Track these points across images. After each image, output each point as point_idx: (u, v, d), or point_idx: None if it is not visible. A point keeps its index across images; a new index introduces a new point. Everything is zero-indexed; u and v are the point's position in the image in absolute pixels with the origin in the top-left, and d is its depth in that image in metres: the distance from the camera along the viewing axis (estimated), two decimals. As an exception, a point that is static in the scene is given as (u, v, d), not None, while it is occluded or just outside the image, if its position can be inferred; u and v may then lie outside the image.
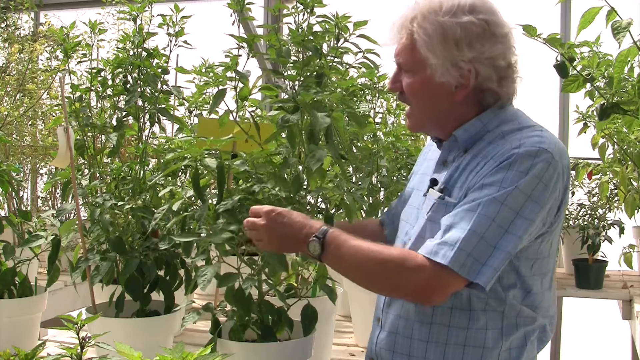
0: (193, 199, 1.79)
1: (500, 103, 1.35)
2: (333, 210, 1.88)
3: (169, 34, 2.22)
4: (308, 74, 1.74)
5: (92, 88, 2.23)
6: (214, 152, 1.76)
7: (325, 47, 1.80)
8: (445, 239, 1.22)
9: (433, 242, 1.24)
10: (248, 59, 1.78)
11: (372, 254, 1.27)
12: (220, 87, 1.72)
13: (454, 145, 1.38)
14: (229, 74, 1.72)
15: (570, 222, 3.40)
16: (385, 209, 1.83)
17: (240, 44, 1.76)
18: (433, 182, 1.37)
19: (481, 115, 1.34)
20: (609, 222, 3.30)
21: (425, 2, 1.33)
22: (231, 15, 1.80)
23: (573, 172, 3.42)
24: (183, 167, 2.12)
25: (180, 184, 2.30)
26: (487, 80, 1.31)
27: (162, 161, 2.24)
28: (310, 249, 1.33)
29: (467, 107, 1.34)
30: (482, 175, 1.26)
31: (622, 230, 3.29)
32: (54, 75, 3.69)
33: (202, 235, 1.70)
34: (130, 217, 2.11)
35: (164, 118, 2.23)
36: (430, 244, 1.24)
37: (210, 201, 1.72)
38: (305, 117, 1.67)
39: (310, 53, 1.75)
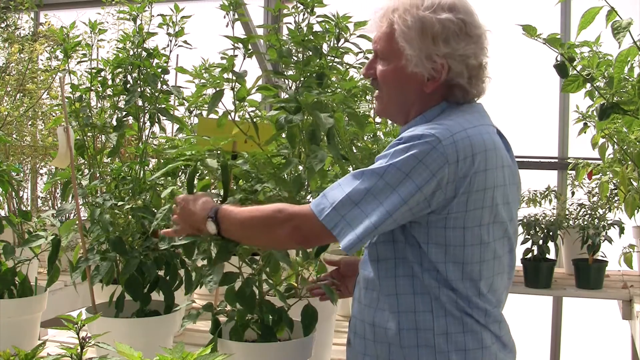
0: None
1: (463, 100, 1.40)
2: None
3: (169, 34, 2.22)
4: (309, 74, 1.74)
5: (92, 88, 2.23)
6: (215, 151, 1.76)
7: (325, 47, 1.80)
8: (327, 193, 1.34)
9: (321, 194, 1.36)
10: (244, 59, 1.78)
11: (253, 212, 1.43)
12: (217, 89, 1.72)
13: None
14: (225, 74, 1.72)
15: (570, 222, 3.40)
16: None
17: (236, 45, 1.76)
18: None
19: (426, 112, 1.40)
20: (609, 222, 3.30)
21: None
22: (224, 17, 1.80)
23: (573, 172, 3.42)
24: (183, 167, 2.12)
25: (180, 184, 2.30)
26: (457, 76, 1.37)
27: (162, 161, 2.24)
28: (210, 229, 1.49)
29: (433, 99, 1.40)
30: None
31: (622, 230, 3.29)
32: (54, 75, 3.69)
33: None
34: (130, 217, 2.11)
35: (164, 118, 2.23)
36: (318, 196, 1.36)
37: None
38: (306, 117, 1.67)
39: (311, 53, 1.75)
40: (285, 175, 1.75)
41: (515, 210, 1.45)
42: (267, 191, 1.75)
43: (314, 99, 1.63)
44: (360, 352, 1.45)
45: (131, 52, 2.18)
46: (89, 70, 2.24)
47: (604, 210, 3.36)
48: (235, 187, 1.85)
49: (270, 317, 1.77)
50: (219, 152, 1.76)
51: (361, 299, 1.47)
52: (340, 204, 1.30)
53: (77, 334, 1.37)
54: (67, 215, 2.69)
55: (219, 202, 1.71)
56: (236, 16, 1.81)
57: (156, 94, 2.19)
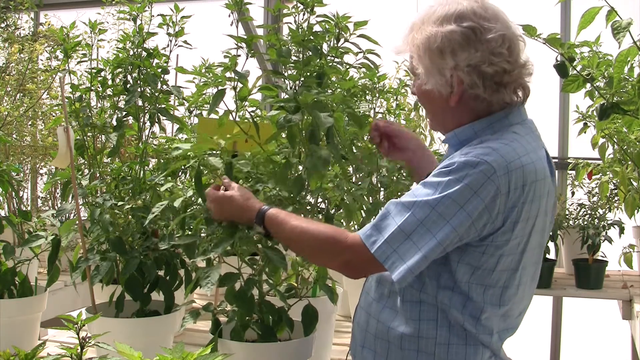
0: (193, 198, 1.79)
1: (504, 110, 1.36)
2: (333, 210, 1.88)
3: (169, 34, 2.22)
4: (308, 74, 1.74)
5: (92, 88, 2.23)
6: (216, 151, 1.76)
7: (325, 47, 1.80)
8: (378, 224, 1.32)
9: (370, 224, 1.33)
10: (247, 59, 1.78)
11: (304, 232, 1.42)
12: (220, 88, 1.72)
13: (449, 148, 1.45)
14: (228, 74, 1.72)
15: (570, 222, 3.40)
16: None
17: (239, 44, 1.76)
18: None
19: (475, 122, 1.37)
20: (609, 222, 3.30)
21: (422, 12, 1.39)
22: (229, 15, 1.80)
23: (573, 172, 3.42)
24: (183, 167, 2.12)
25: (180, 184, 2.30)
26: (472, 87, 1.33)
27: (162, 161, 2.24)
28: (258, 231, 1.53)
29: (462, 111, 1.38)
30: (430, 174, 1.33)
31: (622, 230, 3.29)
32: (54, 75, 3.69)
33: (202, 235, 1.70)
34: (130, 217, 2.11)
35: (164, 118, 2.23)
36: (367, 226, 1.34)
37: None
38: (305, 117, 1.67)
39: (311, 53, 1.75)
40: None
41: (547, 236, 1.43)
42: (267, 191, 1.74)
43: (313, 99, 1.63)
44: (359, 344, 1.46)
45: (131, 52, 2.18)
46: (89, 70, 2.24)
47: (604, 210, 3.36)
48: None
49: (271, 317, 1.77)
50: (219, 151, 1.76)
51: (370, 292, 1.47)
52: (392, 236, 1.28)
53: (77, 334, 1.37)
54: (67, 215, 2.69)
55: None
56: (239, 16, 1.81)
57: (156, 94, 2.19)
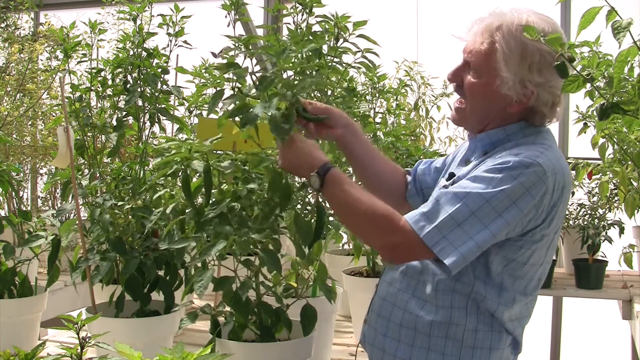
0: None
1: (539, 124, 1.46)
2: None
3: (169, 34, 2.22)
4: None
5: (92, 88, 2.23)
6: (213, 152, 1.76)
7: (324, 47, 1.79)
8: (428, 211, 1.34)
9: (419, 211, 1.35)
10: (245, 59, 1.78)
11: (360, 201, 1.38)
12: (218, 88, 1.72)
13: (477, 147, 1.48)
14: (226, 74, 1.72)
15: (570, 222, 3.40)
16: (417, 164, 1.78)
17: (237, 45, 1.75)
18: (450, 176, 1.50)
19: (507, 126, 1.44)
20: (609, 222, 3.30)
21: (513, 16, 1.41)
22: (225, 16, 1.80)
23: (573, 172, 3.42)
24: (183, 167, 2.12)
25: (179, 184, 2.30)
26: (543, 105, 1.42)
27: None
28: (312, 182, 1.46)
29: (511, 116, 1.44)
30: (478, 169, 1.37)
31: (622, 230, 3.28)
32: (54, 75, 3.69)
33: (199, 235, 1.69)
34: (130, 217, 2.11)
35: (164, 118, 2.24)
36: (416, 212, 1.35)
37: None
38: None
39: (310, 53, 1.75)
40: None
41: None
42: (259, 192, 1.74)
43: (264, 95, 1.61)
44: (381, 332, 1.49)
45: (131, 52, 2.18)
46: (89, 70, 2.24)
47: (604, 210, 3.36)
48: (230, 188, 1.84)
49: (269, 318, 1.77)
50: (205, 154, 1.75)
51: (394, 283, 1.50)
52: (442, 223, 1.31)
53: (77, 334, 1.37)
54: (67, 215, 2.70)
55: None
56: (237, 16, 1.81)
57: (156, 94, 2.19)
